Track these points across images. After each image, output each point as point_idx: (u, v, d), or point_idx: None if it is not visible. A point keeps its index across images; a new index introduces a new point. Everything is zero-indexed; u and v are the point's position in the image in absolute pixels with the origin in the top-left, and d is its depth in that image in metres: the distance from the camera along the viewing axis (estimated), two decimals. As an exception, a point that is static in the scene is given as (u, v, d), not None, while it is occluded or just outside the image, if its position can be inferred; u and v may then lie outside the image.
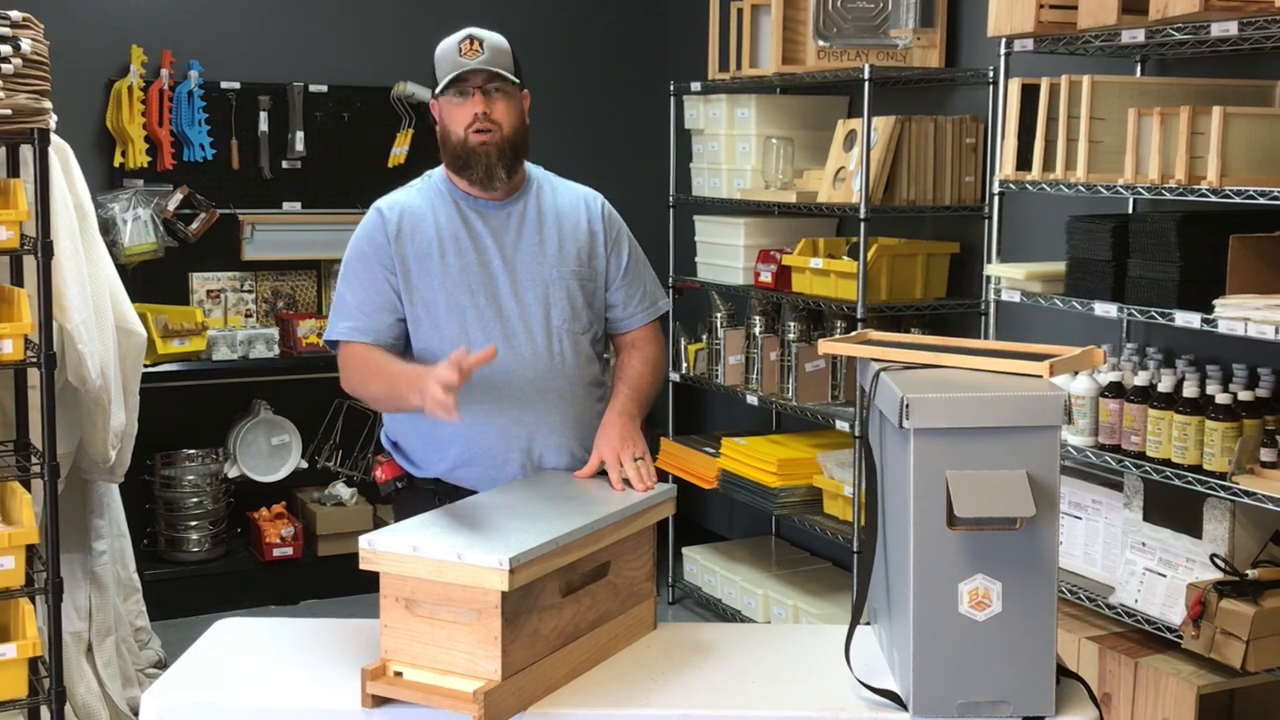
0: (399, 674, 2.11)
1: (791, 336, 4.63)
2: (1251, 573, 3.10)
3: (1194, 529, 3.26)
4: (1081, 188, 3.38)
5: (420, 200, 2.75)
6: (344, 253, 2.78)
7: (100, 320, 3.86)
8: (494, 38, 2.70)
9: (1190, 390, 3.18)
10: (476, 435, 2.66)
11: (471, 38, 2.67)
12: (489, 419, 2.65)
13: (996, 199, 3.73)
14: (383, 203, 2.77)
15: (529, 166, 2.81)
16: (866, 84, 4.16)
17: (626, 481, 2.50)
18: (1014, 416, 2.01)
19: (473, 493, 2.53)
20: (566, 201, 2.81)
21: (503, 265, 2.71)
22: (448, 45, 2.69)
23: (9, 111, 3.34)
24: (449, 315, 2.68)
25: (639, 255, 2.88)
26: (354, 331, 2.69)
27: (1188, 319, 3.13)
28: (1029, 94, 3.54)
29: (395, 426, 2.80)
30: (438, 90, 2.69)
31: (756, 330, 4.79)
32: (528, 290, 2.71)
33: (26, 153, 3.58)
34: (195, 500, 5.19)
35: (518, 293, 2.70)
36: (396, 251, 2.69)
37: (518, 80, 2.70)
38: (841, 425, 4.36)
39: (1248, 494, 3.00)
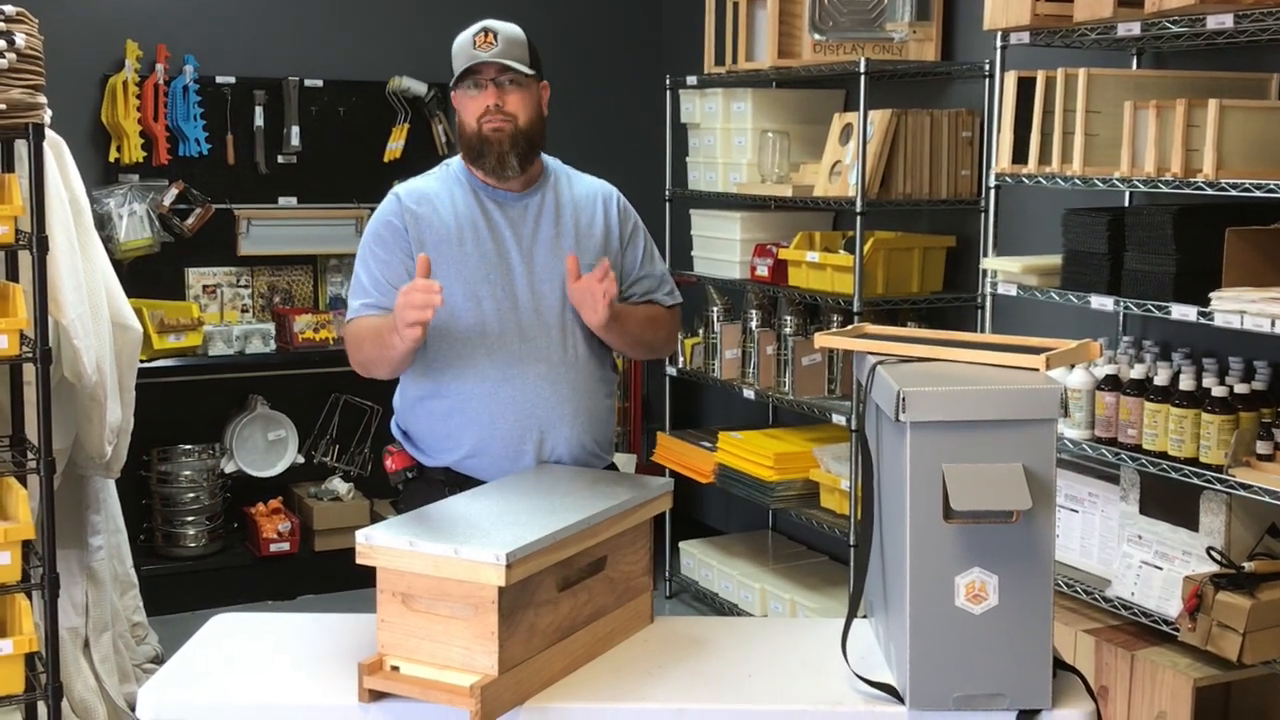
0: (395, 669, 2.11)
1: (788, 330, 4.63)
2: (1248, 565, 3.10)
3: (1190, 522, 3.27)
4: (1077, 181, 3.38)
5: (439, 188, 2.76)
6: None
7: (96, 315, 3.86)
8: (509, 29, 2.70)
9: (1186, 383, 3.18)
10: (491, 426, 2.67)
11: (486, 30, 2.68)
12: (503, 410, 2.66)
13: (993, 192, 3.73)
14: (401, 188, 2.78)
15: (546, 159, 2.82)
16: (862, 77, 4.16)
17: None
18: (1010, 410, 2.01)
19: (483, 483, 2.54)
20: (583, 194, 2.82)
21: (520, 257, 2.71)
22: (463, 37, 2.70)
23: (3, 106, 3.33)
24: (465, 305, 2.68)
25: (653, 248, 2.90)
26: (366, 308, 2.70)
27: (1184, 312, 3.13)
28: (1025, 87, 3.54)
29: (405, 415, 2.80)
30: (452, 82, 2.70)
31: (753, 324, 4.79)
32: (544, 282, 2.72)
33: (21, 148, 3.57)
34: (192, 495, 5.18)
35: (534, 285, 2.71)
36: (415, 236, 2.70)
37: (532, 71, 2.70)
38: (838, 419, 4.36)
39: (1244, 487, 3.00)
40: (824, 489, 4.52)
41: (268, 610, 4.68)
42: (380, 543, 2.10)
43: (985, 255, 3.80)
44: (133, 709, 3.99)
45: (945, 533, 2.01)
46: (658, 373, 5.44)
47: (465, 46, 2.68)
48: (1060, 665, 2.13)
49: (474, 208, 2.73)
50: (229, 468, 5.30)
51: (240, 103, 5.32)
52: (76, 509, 4.13)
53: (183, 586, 5.04)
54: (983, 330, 3.87)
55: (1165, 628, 3.22)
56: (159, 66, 5.13)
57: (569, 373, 2.71)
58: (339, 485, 5.43)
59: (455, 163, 2.81)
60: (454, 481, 2.66)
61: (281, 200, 5.42)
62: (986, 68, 4.24)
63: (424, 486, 2.72)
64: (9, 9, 3.39)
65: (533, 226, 2.74)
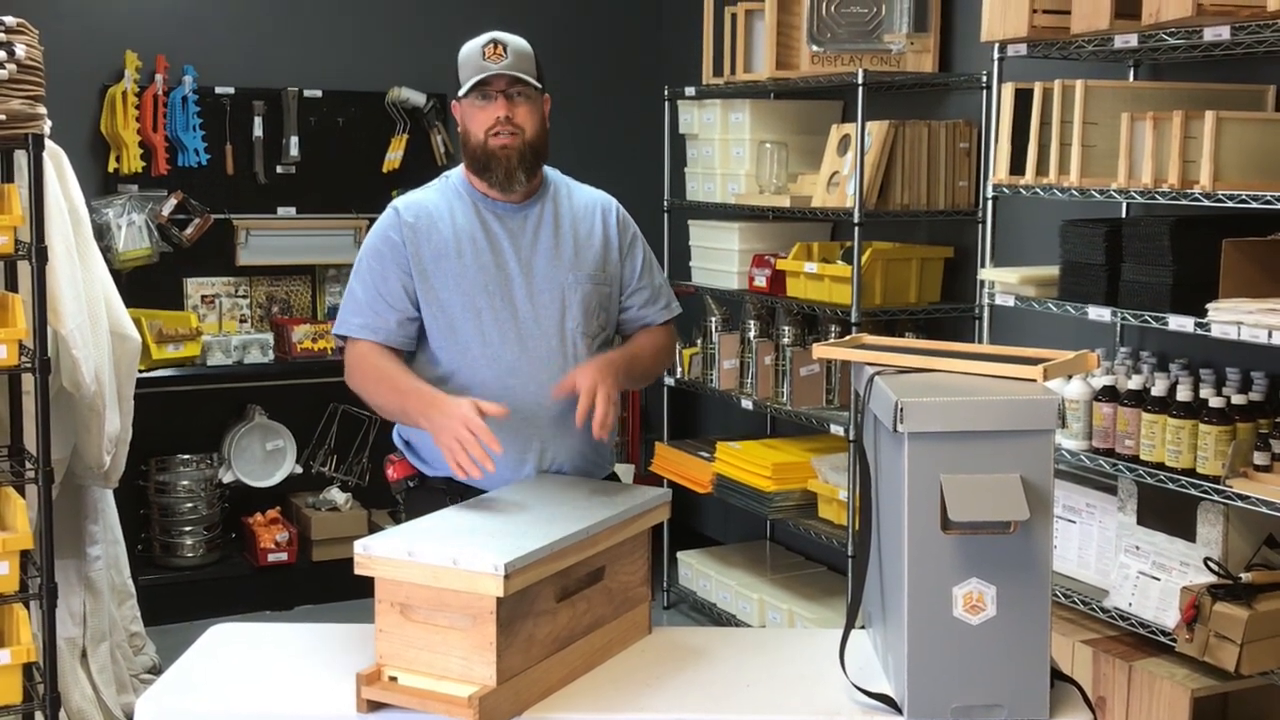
0: (394, 679, 2.11)
1: (786, 341, 4.63)
2: (1245, 576, 3.10)
3: (1188, 532, 3.27)
4: (1075, 192, 3.39)
5: (438, 200, 2.76)
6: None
7: (95, 325, 3.86)
8: (517, 41, 2.70)
9: (1184, 394, 3.19)
10: None
11: (495, 41, 2.68)
12: (504, 421, 2.66)
13: (990, 203, 3.74)
14: (400, 201, 2.78)
15: (546, 170, 2.82)
16: (860, 88, 4.17)
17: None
18: (1008, 420, 2.01)
19: (484, 493, 2.54)
20: (582, 205, 2.83)
21: (519, 268, 2.72)
22: (471, 48, 2.69)
23: (3, 117, 3.34)
24: (464, 316, 2.69)
25: (652, 259, 2.90)
26: (364, 329, 2.70)
27: (1181, 323, 3.13)
28: (1022, 98, 3.54)
29: (408, 425, 2.81)
30: (460, 93, 2.70)
31: (751, 334, 4.79)
32: (543, 293, 2.72)
33: (21, 158, 3.58)
34: (190, 505, 5.18)
35: (533, 295, 2.71)
36: (412, 251, 2.70)
37: (540, 85, 2.71)
38: (836, 429, 4.36)
39: (1241, 497, 3.01)
40: (822, 499, 4.52)
41: (265, 620, 4.68)
42: (378, 553, 2.10)
43: (983, 266, 3.81)
44: (130, 719, 3.99)
45: (943, 543, 2.01)
46: (656, 383, 5.44)
47: (474, 58, 2.68)
48: (1058, 676, 2.14)
49: (473, 220, 2.74)
50: (227, 478, 5.30)
51: (239, 113, 5.33)
52: (75, 519, 4.13)
53: (180, 596, 5.04)
54: (980, 341, 3.87)
55: (1163, 638, 3.22)
56: (158, 77, 5.14)
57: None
58: (337, 495, 5.43)
59: (455, 174, 2.82)
60: (455, 491, 2.67)
61: (280, 210, 5.42)
62: (984, 79, 4.25)
63: (425, 496, 2.72)
64: (9, 20, 3.40)
65: (531, 237, 2.75)
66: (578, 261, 2.76)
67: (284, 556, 5.22)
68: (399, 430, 2.84)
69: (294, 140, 5.38)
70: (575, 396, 2.70)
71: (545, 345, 2.71)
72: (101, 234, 4.83)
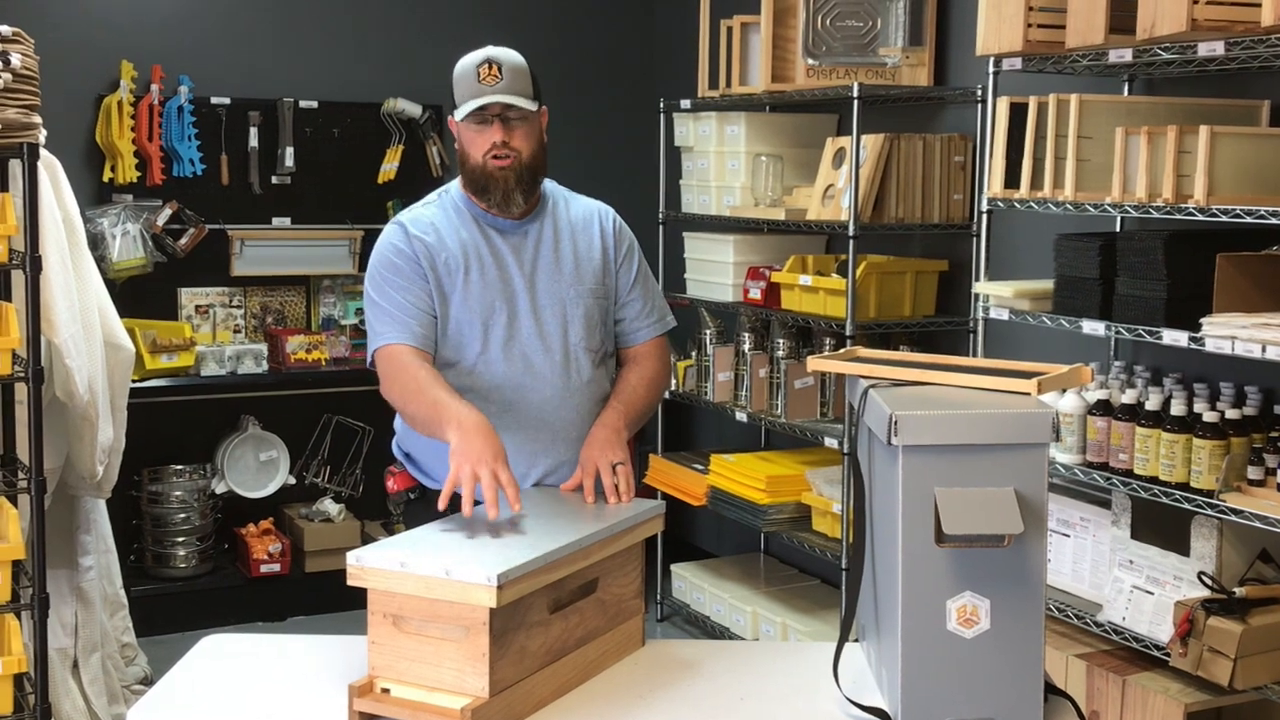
0: (386, 691, 2.10)
1: (780, 353, 4.63)
2: (1239, 590, 3.10)
3: (1181, 547, 3.27)
4: (1069, 206, 3.40)
5: (441, 216, 2.76)
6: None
7: (88, 335, 3.85)
8: (512, 60, 2.68)
9: (1178, 408, 3.19)
10: None
11: (490, 61, 2.64)
12: (507, 434, 2.65)
13: (985, 217, 3.75)
14: (405, 217, 2.77)
15: (544, 183, 2.82)
16: (855, 102, 4.18)
17: (603, 495, 2.51)
18: (1002, 434, 2.01)
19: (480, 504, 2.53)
20: (580, 217, 2.82)
21: (523, 283, 2.72)
22: (466, 67, 2.67)
23: (-2, 126, 3.34)
24: (471, 331, 2.68)
25: (646, 270, 2.90)
26: (395, 333, 2.65)
27: (1175, 337, 3.14)
28: (1017, 112, 3.55)
29: (408, 437, 2.80)
30: (457, 116, 2.68)
31: (746, 347, 4.79)
32: (546, 308, 2.72)
33: (16, 167, 3.57)
34: (182, 516, 5.17)
35: (536, 310, 2.71)
36: (427, 264, 2.69)
37: (535, 106, 2.69)
38: (830, 442, 4.36)
39: (1235, 512, 3.01)
40: (816, 512, 4.52)
41: (258, 631, 4.65)
42: (371, 564, 2.10)
43: (977, 279, 3.81)
44: (121, 730, 3.97)
45: (937, 556, 2.01)
46: (650, 395, 5.43)
47: (469, 79, 2.66)
48: (1051, 690, 2.13)
49: (477, 236, 2.74)
50: (220, 488, 5.29)
51: (235, 123, 5.33)
52: (67, 529, 4.12)
53: (173, 607, 5.02)
54: (975, 354, 3.87)
55: (1156, 653, 3.22)
56: (154, 87, 5.14)
57: (573, 397, 2.72)
58: (330, 506, 5.42)
59: (453, 189, 2.82)
60: (456, 503, 2.66)
61: (275, 221, 5.42)
62: (979, 93, 4.26)
63: (426, 508, 2.72)
64: (4, 29, 3.40)
65: (533, 253, 2.75)
66: (579, 276, 2.76)
67: (277, 567, 5.21)
68: (399, 442, 2.83)
69: (289, 151, 5.38)
70: (579, 417, 2.70)
71: (549, 360, 2.71)
72: (96, 243, 4.82)
